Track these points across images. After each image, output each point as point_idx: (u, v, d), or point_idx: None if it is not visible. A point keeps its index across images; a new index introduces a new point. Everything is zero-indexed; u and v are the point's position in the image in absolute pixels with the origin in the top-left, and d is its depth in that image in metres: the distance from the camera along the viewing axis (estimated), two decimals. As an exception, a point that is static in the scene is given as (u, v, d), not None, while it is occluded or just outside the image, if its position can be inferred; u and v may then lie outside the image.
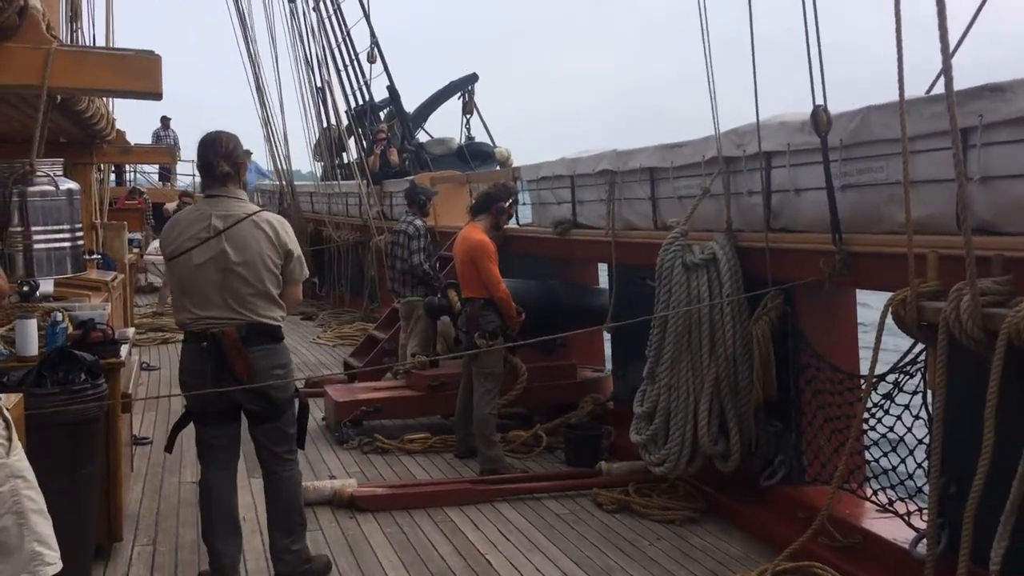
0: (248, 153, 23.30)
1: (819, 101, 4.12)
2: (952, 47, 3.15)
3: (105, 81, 4.02)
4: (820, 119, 4.13)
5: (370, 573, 4.33)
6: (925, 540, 3.55)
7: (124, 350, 4.61)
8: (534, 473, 5.93)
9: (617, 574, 4.32)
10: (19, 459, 2.66)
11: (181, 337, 4.20)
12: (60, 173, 4.34)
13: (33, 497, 2.67)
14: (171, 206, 15.04)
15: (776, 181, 4.68)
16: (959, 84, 3.25)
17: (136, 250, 13.03)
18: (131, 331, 5.86)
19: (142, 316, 12.68)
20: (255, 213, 4.03)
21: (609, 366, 7.55)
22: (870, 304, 6.37)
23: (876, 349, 3.73)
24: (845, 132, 4.14)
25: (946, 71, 3.16)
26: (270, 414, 4.05)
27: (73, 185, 4.40)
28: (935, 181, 3.66)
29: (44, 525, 2.70)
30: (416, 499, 5.33)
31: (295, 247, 4.10)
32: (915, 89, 3.76)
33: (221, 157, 4.01)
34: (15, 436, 2.67)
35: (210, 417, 4.08)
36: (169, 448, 4.28)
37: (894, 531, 4.01)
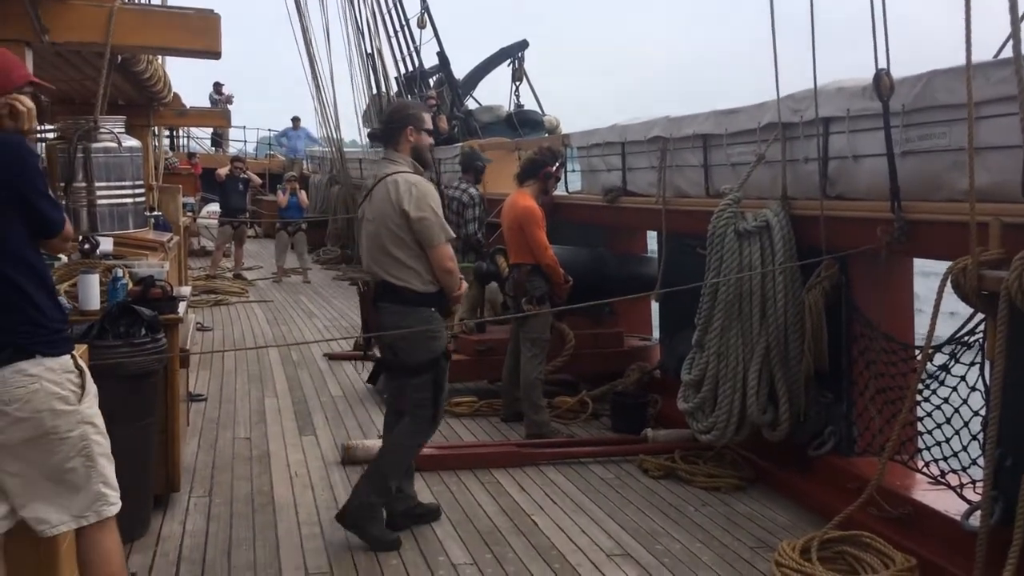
0: (296, 119, 23.59)
1: (882, 65, 4.04)
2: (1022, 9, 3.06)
3: (166, 39, 4.10)
4: (883, 83, 4.04)
5: (419, 531, 4.40)
6: (978, 512, 3.51)
7: (182, 307, 4.71)
8: (580, 438, 5.96)
9: (662, 538, 4.34)
10: (90, 406, 2.79)
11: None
12: (123, 130, 4.44)
13: (100, 442, 2.82)
14: (223, 171, 15.22)
15: (834, 148, 4.60)
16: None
17: (190, 214, 13.24)
18: (187, 289, 5.97)
19: (195, 279, 12.91)
20: (391, 174, 4.14)
21: (656, 335, 7.53)
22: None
23: (934, 319, 3.67)
24: (908, 97, 4.04)
25: (1015, 32, 3.07)
26: (397, 371, 4.27)
27: (135, 143, 4.49)
28: (1000, 148, 3.57)
29: (109, 468, 2.86)
30: (463, 460, 5.40)
31: (418, 209, 4.02)
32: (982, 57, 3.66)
33: (380, 120, 4.33)
34: (89, 383, 2.80)
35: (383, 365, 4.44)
36: (372, 380, 4.50)
37: (945, 503, 3.97)
